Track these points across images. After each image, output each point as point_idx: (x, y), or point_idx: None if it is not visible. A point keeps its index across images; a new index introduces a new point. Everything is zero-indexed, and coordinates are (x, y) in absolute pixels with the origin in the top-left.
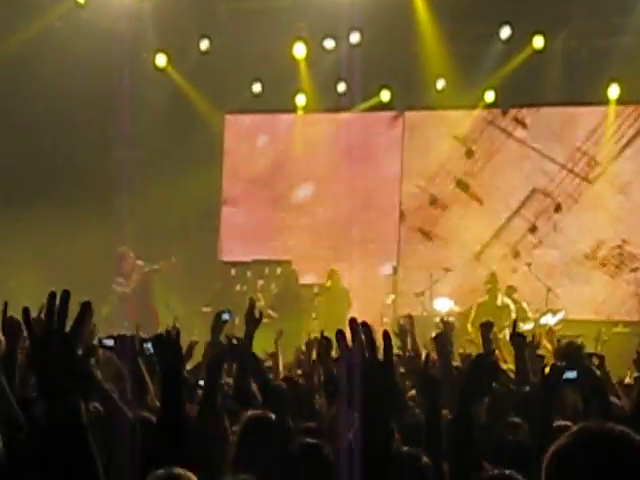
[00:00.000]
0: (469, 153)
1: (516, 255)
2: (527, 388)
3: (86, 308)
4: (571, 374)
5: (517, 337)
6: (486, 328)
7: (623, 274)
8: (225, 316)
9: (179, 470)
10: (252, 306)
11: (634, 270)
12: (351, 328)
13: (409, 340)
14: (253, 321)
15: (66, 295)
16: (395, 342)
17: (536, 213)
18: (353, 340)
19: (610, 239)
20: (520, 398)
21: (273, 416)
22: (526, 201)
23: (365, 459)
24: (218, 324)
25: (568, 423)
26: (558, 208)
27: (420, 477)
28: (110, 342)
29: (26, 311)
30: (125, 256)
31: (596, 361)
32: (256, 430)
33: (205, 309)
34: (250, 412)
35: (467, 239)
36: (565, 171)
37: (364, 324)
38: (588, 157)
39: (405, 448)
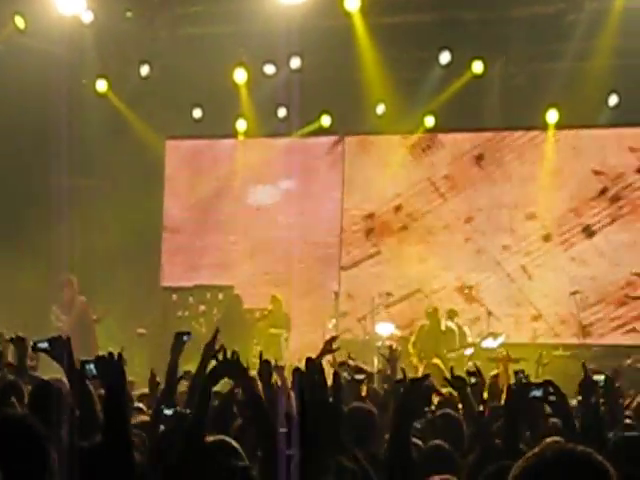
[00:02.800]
0: (410, 179)
1: None
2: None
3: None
4: (537, 392)
5: (456, 380)
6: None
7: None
8: (185, 337)
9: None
10: (215, 337)
11: (573, 293)
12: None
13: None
14: (211, 352)
15: None
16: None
17: None
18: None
19: None
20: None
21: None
22: None
23: None
24: (178, 345)
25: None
26: None
27: None
28: (45, 345)
29: None
30: (66, 285)
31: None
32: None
33: (140, 330)
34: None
35: (408, 262)
36: None
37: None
38: None
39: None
